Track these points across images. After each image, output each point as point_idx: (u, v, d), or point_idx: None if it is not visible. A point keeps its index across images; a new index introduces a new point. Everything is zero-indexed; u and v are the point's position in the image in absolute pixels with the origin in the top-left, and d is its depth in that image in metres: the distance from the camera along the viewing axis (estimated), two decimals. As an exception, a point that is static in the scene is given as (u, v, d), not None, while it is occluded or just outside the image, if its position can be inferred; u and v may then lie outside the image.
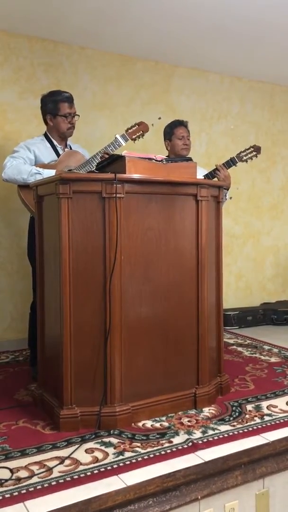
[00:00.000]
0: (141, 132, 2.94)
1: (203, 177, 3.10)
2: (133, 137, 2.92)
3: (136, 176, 2.17)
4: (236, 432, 2.10)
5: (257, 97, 4.72)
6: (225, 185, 2.83)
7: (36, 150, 2.82)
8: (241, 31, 3.59)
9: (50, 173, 2.67)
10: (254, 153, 3.12)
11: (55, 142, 2.91)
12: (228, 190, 3.08)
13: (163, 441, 2.01)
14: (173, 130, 3.22)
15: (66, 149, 2.94)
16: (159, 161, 2.31)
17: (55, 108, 2.83)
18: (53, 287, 2.28)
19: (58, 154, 2.87)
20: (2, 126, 3.52)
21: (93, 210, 2.14)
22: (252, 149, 3.12)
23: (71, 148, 2.98)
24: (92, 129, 3.78)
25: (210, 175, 3.13)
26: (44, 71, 3.65)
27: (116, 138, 2.88)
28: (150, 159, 2.29)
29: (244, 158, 3.12)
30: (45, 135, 2.93)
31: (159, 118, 4.05)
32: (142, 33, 3.58)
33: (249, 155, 3.12)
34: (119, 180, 2.12)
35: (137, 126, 2.93)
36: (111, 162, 2.31)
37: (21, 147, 2.83)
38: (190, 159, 2.51)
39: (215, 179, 3.13)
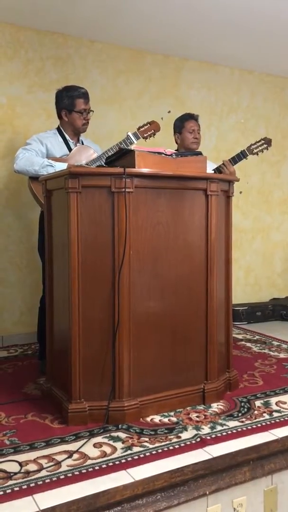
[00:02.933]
0: (153, 131, 2.94)
1: (212, 172, 3.08)
2: (145, 135, 2.93)
3: (145, 170, 2.16)
4: (244, 428, 2.10)
5: (267, 91, 4.67)
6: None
7: (49, 144, 2.83)
8: (251, 25, 3.54)
9: (62, 166, 2.67)
10: (265, 145, 3.09)
11: (67, 137, 2.91)
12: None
13: (171, 436, 2.01)
14: (184, 123, 3.19)
15: (78, 144, 2.94)
16: (169, 155, 2.30)
17: (71, 104, 2.83)
18: (61, 281, 2.28)
19: (70, 149, 2.88)
20: (11, 120, 3.52)
21: (102, 205, 2.13)
22: (262, 141, 3.09)
23: (83, 143, 2.98)
24: (101, 123, 3.76)
25: (217, 171, 3.10)
26: (53, 65, 3.64)
27: (128, 135, 2.88)
28: (159, 153, 2.28)
29: (255, 151, 3.09)
30: (58, 129, 2.93)
31: (169, 112, 4.03)
32: (151, 26, 3.55)
33: (260, 148, 3.09)
34: (128, 175, 2.10)
35: (149, 125, 2.93)
36: (121, 156, 2.29)
37: (33, 139, 2.84)
38: (200, 153, 2.49)
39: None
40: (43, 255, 2.75)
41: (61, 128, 2.93)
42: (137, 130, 2.92)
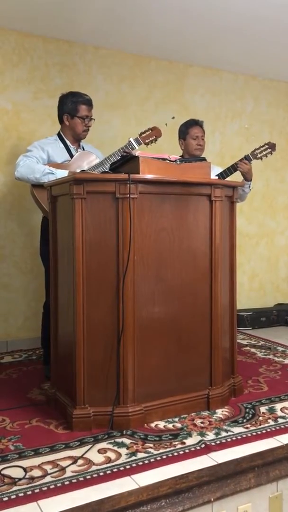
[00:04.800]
0: (154, 137, 2.95)
1: (216, 177, 3.09)
2: (146, 141, 2.93)
3: (149, 176, 2.17)
4: (249, 434, 2.09)
5: (271, 96, 4.68)
6: (247, 177, 3.07)
7: (50, 150, 2.83)
8: (255, 30, 3.56)
9: (63, 173, 2.68)
10: (269, 150, 3.09)
11: (68, 143, 2.92)
12: (251, 181, 3.13)
13: (176, 442, 2.01)
14: (188, 130, 3.21)
15: (79, 150, 2.95)
16: (173, 161, 2.30)
17: (75, 109, 2.85)
18: (66, 287, 2.29)
19: (71, 155, 2.88)
20: (17, 126, 3.54)
21: (106, 211, 2.14)
22: (266, 146, 3.09)
23: (83, 149, 2.99)
24: (106, 128, 3.78)
25: (226, 172, 3.10)
26: (58, 71, 3.66)
27: (130, 141, 2.89)
28: (164, 159, 2.29)
29: (259, 155, 3.09)
30: (59, 135, 2.94)
31: (173, 118, 4.03)
32: (155, 32, 3.57)
33: (264, 152, 3.09)
34: (133, 181, 2.11)
35: (150, 131, 2.94)
36: (125, 162, 2.31)
37: (34, 146, 2.84)
38: (204, 159, 2.50)
39: (230, 176, 3.11)
40: (45, 260, 2.76)
41: (62, 134, 2.93)
42: (139, 136, 2.93)
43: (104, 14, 3.27)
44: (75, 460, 1.86)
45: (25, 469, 1.79)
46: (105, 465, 1.83)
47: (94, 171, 2.79)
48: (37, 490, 1.66)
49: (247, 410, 2.36)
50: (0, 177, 3.53)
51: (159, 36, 3.65)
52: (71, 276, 2.18)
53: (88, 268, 2.14)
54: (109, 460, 1.87)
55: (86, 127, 2.89)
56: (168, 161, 2.29)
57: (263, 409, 2.37)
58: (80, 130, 2.88)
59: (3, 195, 3.54)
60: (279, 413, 2.33)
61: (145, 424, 2.18)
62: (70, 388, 2.22)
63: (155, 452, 1.92)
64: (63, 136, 2.92)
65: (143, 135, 2.93)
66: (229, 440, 2.04)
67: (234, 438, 2.05)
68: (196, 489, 1.74)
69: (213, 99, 4.37)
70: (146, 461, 1.86)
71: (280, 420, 2.24)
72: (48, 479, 1.73)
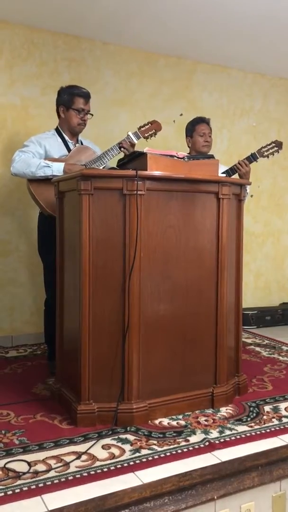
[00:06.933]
0: (154, 130, 2.89)
1: (223, 174, 3.07)
2: (146, 135, 2.88)
3: (157, 173, 2.16)
4: (253, 433, 2.09)
5: (280, 94, 4.65)
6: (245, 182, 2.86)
7: (47, 145, 2.78)
8: (263, 28, 3.53)
9: (59, 166, 2.64)
10: (276, 148, 3.07)
11: (66, 137, 2.86)
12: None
13: (180, 440, 2.01)
14: (195, 127, 3.20)
15: (77, 145, 2.90)
16: (181, 158, 2.30)
17: (70, 101, 2.79)
18: (72, 283, 2.29)
19: (69, 149, 2.83)
20: (24, 121, 3.54)
21: (113, 207, 2.14)
22: (273, 144, 3.07)
23: (82, 144, 2.95)
24: (113, 124, 3.78)
25: (230, 171, 3.09)
26: (67, 67, 3.66)
27: (128, 135, 2.84)
28: (171, 156, 2.28)
29: (266, 153, 3.07)
30: (57, 130, 2.89)
31: (181, 115, 4.03)
32: (164, 29, 3.55)
33: (271, 151, 3.07)
34: (140, 177, 2.11)
35: (150, 124, 2.89)
36: (133, 159, 2.30)
37: (31, 141, 2.79)
38: (212, 157, 2.49)
39: (235, 175, 3.09)
40: (44, 257, 2.78)
41: (60, 128, 2.88)
42: (138, 129, 2.87)
43: (113, 10, 3.26)
44: (79, 455, 1.87)
45: (29, 463, 1.80)
46: (109, 461, 1.83)
47: (91, 166, 2.75)
48: (41, 485, 1.67)
49: (251, 408, 2.36)
50: (6, 172, 3.52)
51: (167, 33, 3.63)
52: (77, 272, 2.18)
53: (95, 265, 2.14)
54: (113, 456, 1.87)
55: (82, 120, 2.82)
56: (176, 158, 2.29)
57: (267, 408, 2.37)
58: (75, 123, 2.81)
59: (9, 190, 3.54)
60: (284, 412, 2.32)
61: (149, 421, 2.18)
62: (74, 383, 2.23)
63: (159, 449, 1.93)
64: (61, 131, 2.87)
65: (142, 129, 2.88)
66: (233, 438, 2.04)
67: (238, 437, 2.05)
68: (199, 487, 1.74)
69: (221, 96, 4.35)
70: (150, 458, 1.86)
71: (284, 420, 2.23)
72: (52, 473, 1.74)
